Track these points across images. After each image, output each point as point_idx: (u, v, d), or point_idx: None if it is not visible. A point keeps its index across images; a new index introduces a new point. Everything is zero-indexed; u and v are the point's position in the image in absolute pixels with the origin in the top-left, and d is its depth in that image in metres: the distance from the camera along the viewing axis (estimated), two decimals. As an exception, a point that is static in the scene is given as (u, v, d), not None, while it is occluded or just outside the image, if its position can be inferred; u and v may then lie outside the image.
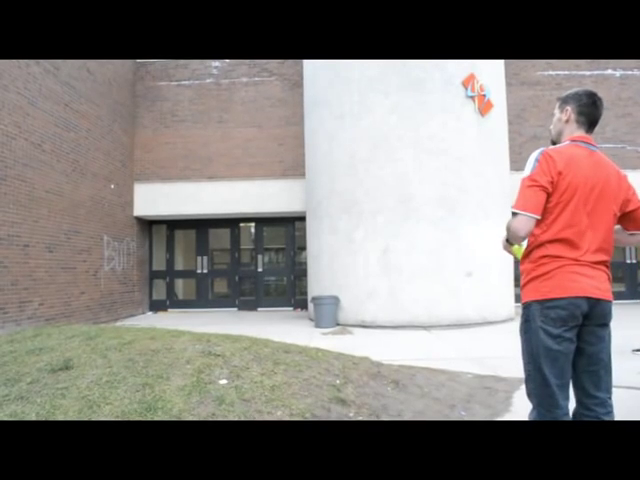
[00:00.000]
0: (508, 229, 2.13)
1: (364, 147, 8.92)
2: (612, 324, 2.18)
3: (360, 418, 3.42)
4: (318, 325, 8.73)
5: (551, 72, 11.69)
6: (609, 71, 11.75)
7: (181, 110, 11.81)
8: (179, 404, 3.18)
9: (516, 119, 11.33)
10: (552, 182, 2.08)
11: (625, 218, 2.27)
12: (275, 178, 11.43)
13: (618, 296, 12.07)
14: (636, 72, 11.74)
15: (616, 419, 2.18)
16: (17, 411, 3.05)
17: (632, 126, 11.36)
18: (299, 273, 12.21)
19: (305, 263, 10.84)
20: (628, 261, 12.37)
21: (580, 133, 2.24)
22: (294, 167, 11.25)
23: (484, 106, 9.00)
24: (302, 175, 10.71)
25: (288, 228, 12.60)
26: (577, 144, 2.20)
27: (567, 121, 2.27)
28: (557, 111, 2.32)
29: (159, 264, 12.77)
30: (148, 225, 12.52)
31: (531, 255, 2.18)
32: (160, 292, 12.77)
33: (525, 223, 2.08)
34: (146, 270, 12.42)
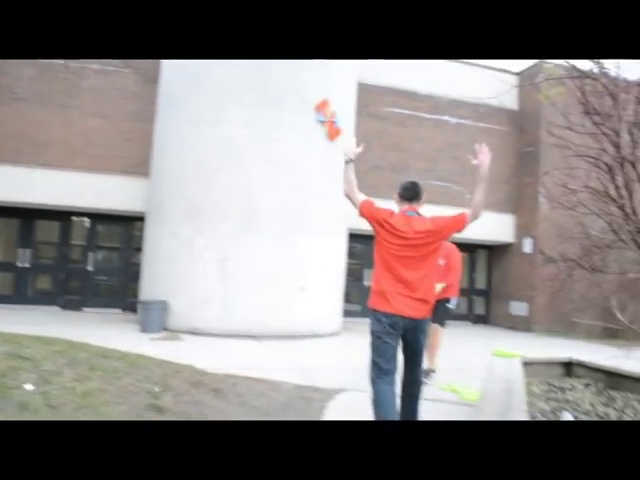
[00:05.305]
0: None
1: (216, 155, 8.92)
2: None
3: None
4: (145, 330, 8.44)
5: (396, 109, 12.71)
6: (446, 117, 13.10)
7: (21, 88, 10.66)
8: (-28, 410, 2.90)
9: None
10: (380, 223, 3.35)
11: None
12: (117, 174, 10.79)
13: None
14: (469, 121, 13.22)
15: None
16: None
17: (460, 169, 12.56)
18: (133, 275, 11.59)
19: (140, 265, 10.40)
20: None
21: (404, 206, 3.48)
22: (138, 165, 10.72)
23: (333, 132, 9.50)
24: (146, 175, 10.31)
25: (126, 227, 11.99)
26: (403, 214, 3.43)
27: (397, 201, 3.55)
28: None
29: (-30, 253, 11.32)
30: (-39, 208, 11.05)
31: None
32: (-32, 284, 11.31)
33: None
34: (-48, 258, 10.92)
